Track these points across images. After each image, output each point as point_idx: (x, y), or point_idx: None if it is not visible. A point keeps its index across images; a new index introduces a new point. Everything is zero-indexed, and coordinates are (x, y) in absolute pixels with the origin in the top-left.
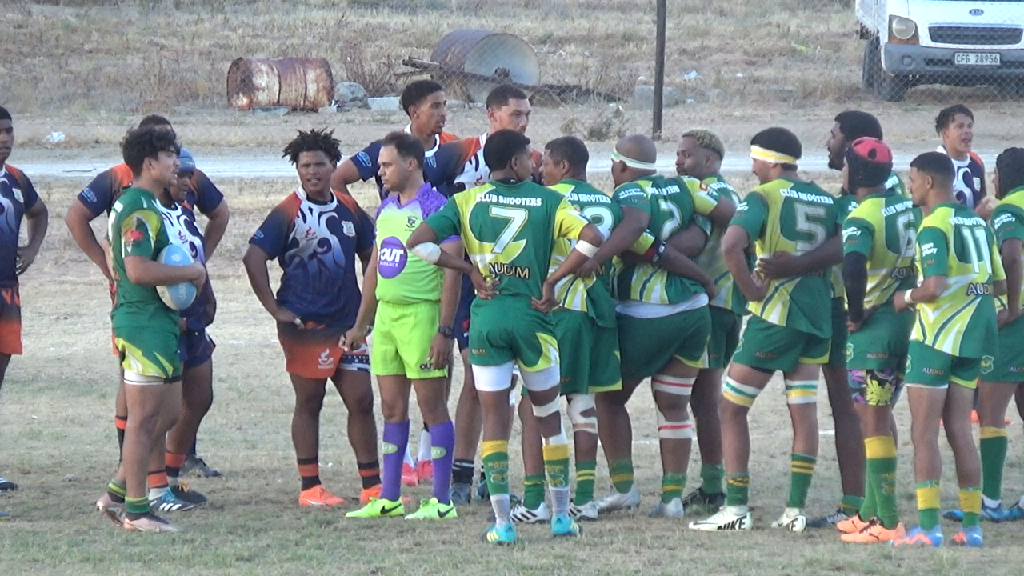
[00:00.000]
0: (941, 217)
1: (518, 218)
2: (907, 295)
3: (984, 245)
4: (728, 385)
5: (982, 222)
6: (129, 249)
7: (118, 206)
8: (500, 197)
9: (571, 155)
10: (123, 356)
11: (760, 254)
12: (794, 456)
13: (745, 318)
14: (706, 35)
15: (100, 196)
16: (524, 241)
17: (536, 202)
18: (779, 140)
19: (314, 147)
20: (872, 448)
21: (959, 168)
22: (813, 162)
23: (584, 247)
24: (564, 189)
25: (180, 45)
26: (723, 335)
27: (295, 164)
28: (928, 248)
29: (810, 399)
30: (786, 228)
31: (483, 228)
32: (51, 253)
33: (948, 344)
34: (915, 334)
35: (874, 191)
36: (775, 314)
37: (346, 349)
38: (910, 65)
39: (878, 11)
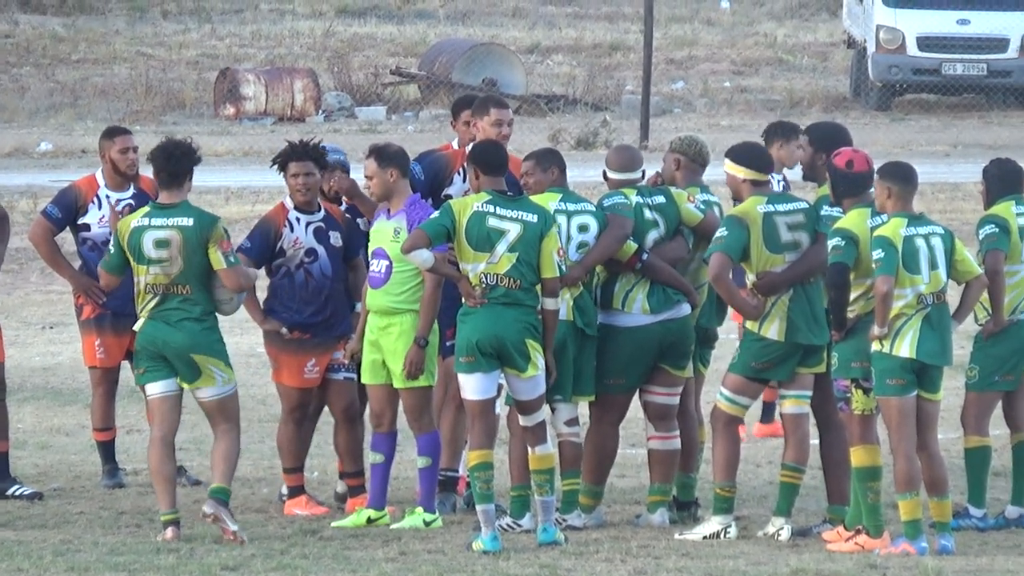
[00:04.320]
0: (893, 227)
1: (513, 231)
2: (874, 327)
3: (940, 253)
4: (722, 395)
5: (939, 230)
6: (232, 259)
7: (186, 221)
8: (498, 208)
9: (559, 162)
10: (137, 367)
11: (749, 274)
12: (784, 465)
13: (721, 329)
14: (693, 45)
15: (64, 212)
16: (516, 255)
17: (532, 218)
18: (749, 155)
19: (304, 157)
20: (857, 457)
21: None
22: (790, 175)
23: (549, 303)
24: (551, 198)
25: (167, 55)
26: (696, 345)
27: (283, 174)
28: (877, 253)
29: (803, 409)
30: (770, 243)
31: (479, 238)
32: (37, 263)
33: (905, 348)
34: (875, 345)
35: (859, 201)
36: (773, 330)
37: (346, 361)
38: (897, 75)
39: (865, 21)
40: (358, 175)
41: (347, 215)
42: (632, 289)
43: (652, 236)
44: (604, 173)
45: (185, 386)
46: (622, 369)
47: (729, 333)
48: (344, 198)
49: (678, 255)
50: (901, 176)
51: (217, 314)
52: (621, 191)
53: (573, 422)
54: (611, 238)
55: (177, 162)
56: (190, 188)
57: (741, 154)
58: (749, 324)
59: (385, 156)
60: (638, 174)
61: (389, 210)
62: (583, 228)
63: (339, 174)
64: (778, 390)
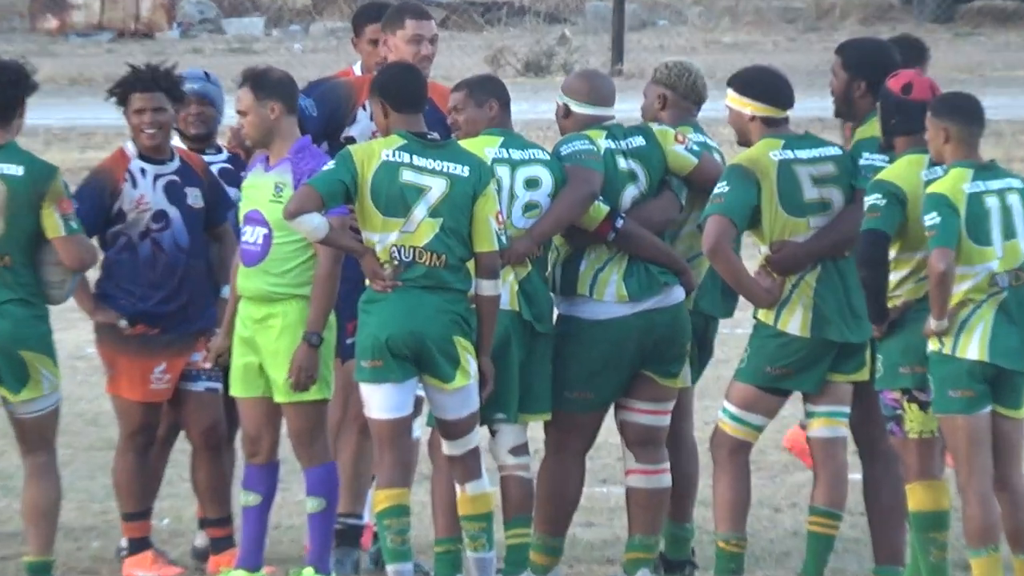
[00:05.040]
0: (953, 182)
1: (436, 188)
2: (930, 319)
3: (1020, 217)
4: (726, 412)
5: (1019, 184)
6: (73, 225)
7: (13, 169)
8: (415, 157)
9: (500, 94)
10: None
11: (760, 245)
12: (813, 510)
13: (735, 321)
14: None
15: None
16: (440, 221)
17: (463, 171)
18: (759, 84)
19: (151, 87)
20: (915, 498)
21: None
22: (821, 107)
23: (486, 286)
24: (489, 143)
25: None
26: (694, 342)
27: (124, 110)
28: (931, 218)
29: (838, 432)
30: (789, 202)
31: (390, 197)
32: None
33: (973, 348)
34: (931, 343)
35: (915, 144)
36: (794, 322)
37: (208, 366)
38: None
39: None
40: (230, 110)
41: (225, 165)
42: (603, 268)
43: (629, 193)
44: (563, 108)
45: (6, 396)
46: (590, 378)
47: (735, 327)
48: (227, 144)
49: (666, 217)
50: (963, 112)
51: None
52: (584, 133)
53: (521, 450)
54: (572, 198)
55: (2, 92)
56: (20, 127)
57: (749, 83)
58: (762, 314)
59: (263, 85)
60: (610, 109)
61: (268, 158)
62: (532, 183)
63: (235, 129)
64: (804, 405)
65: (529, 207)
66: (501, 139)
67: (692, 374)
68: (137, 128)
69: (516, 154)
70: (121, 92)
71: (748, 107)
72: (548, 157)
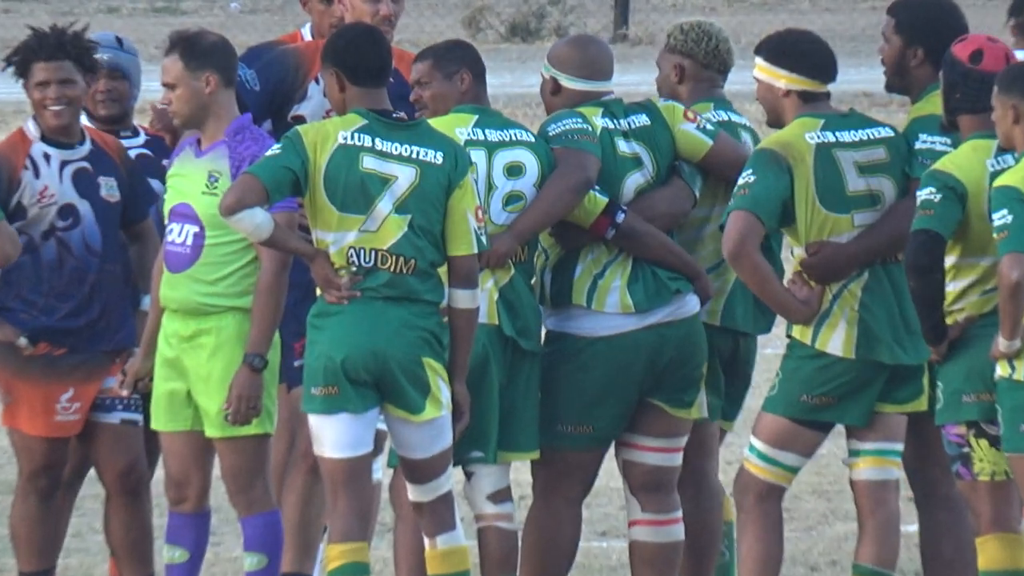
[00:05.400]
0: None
1: (404, 178)
2: (999, 339)
3: None
4: (753, 450)
5: None
6: None
7: None
8: (378, 140)
9: (473, 64)
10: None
11: (794, 247)
12: (857, 569)
13: (765, 339)
14: None
15: None
16: (408, 218)
17: (435, 157)
18: (795, 52)
19: (57, 55)
20: (988, 554)
21: None
22: (868, 79)
23: (462, 297)
24: (462, 122)
25: None
26: (719, 367)
27: (24, 82)
28: (1001, 216)
29: (890, 474)
30: (829, 195)
31: (348, 189)
32: None
33: None
34: (1000, 367)
35: (982, 126)
36: (836, 340)
37: (125, 393)
38: None
39: None
40: (145, 85)
41: (142, 150)
42: (602, 274)
43: (633, 182)
44: (551, 82)
45: None
46: (587, 408)
47: (764, 346)
48: (150, 125)
49: (675, 210)
50: None
51: None
52: (577, 110)
53: (502, 496)
54: (562, 187)
55: None
56: None
57: (783, 49)
58: (796, 331)
59: (196, 52)
60: (608, 84)
61: (199, 141)
62: (514, 170)
63: (159, 108)
64: (848, 441)
65: (511, 199)
66: (475, 117)
67: (729, 408)
68: (40, 104)
69: (494, 135)
70: (20, 61)
71: (782, 79)
72: (533, 139)
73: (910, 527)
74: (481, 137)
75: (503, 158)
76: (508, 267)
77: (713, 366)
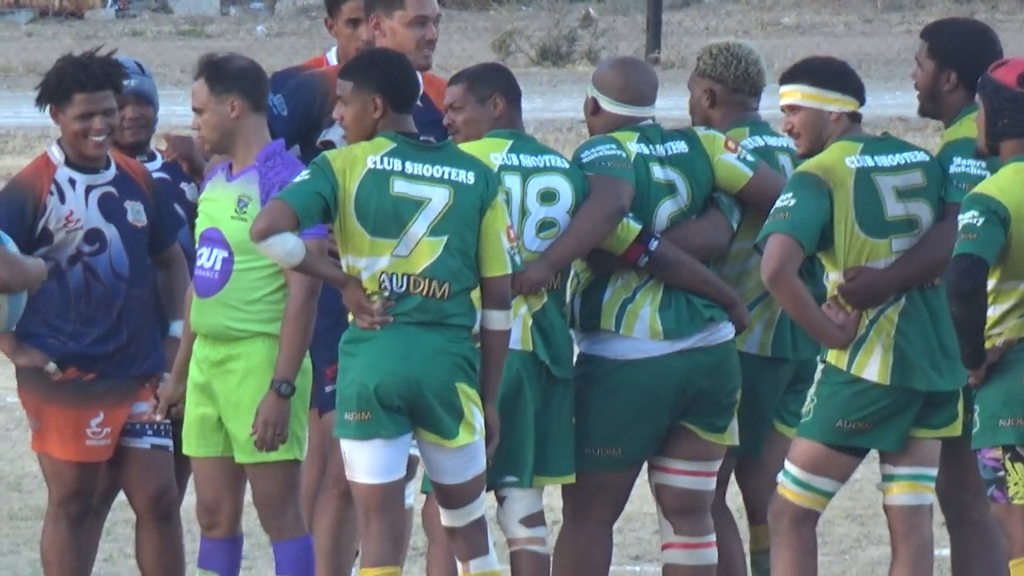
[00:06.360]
0: None
1: (437, 200)
2: None
3: None
4: (788, 475)
5: None
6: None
7: None
8: (408, 163)
9: (507, 88)
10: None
11: (831, 271)
12: None
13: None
14: None
15: None
16: (443, 240)
17: (467, 177)
18: (840, 74)
19: (102, 84)
20: None
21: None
22: (903, 103)
23: (496, 319)
24: (496, 147)
25: None
26: (763, 398)
27: (54, 111)
28: None
29: (924, 499)
30: (868, 220)
31: (379, 214)
32: None
33: None
34: None
35: None
36: (872, 367)
37: (158, 418)
38: None
39: None
40: (171, 109)
41: (160, 174)
42: (632, 298)
43: (666, 210)
44: (592, 103)
45: None
46: (617, 431)
47: None
48: (165, 153)
49: (712, 242)
50: None
51: None
52: (611, 136)
53: (535, 520)
54: (596, 214)
55: None
56: None
57: (827, 72)
58: (832, 356)
59: (221, 76)
60: (649, 109)
61: (231, 166)
62: (548, 196)
63: (172, 136)
64: (881, 466)
65: (544, 225)
66: (510, 142)
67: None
68: (80, 134)
69: (528, 160)
70: (62, 91)
71: (834, 103)
72: (567, 165)
73: (943, 551)
74: (516, 162)
75: (537, 184)
76: (541, 294)
77: (759, 398)
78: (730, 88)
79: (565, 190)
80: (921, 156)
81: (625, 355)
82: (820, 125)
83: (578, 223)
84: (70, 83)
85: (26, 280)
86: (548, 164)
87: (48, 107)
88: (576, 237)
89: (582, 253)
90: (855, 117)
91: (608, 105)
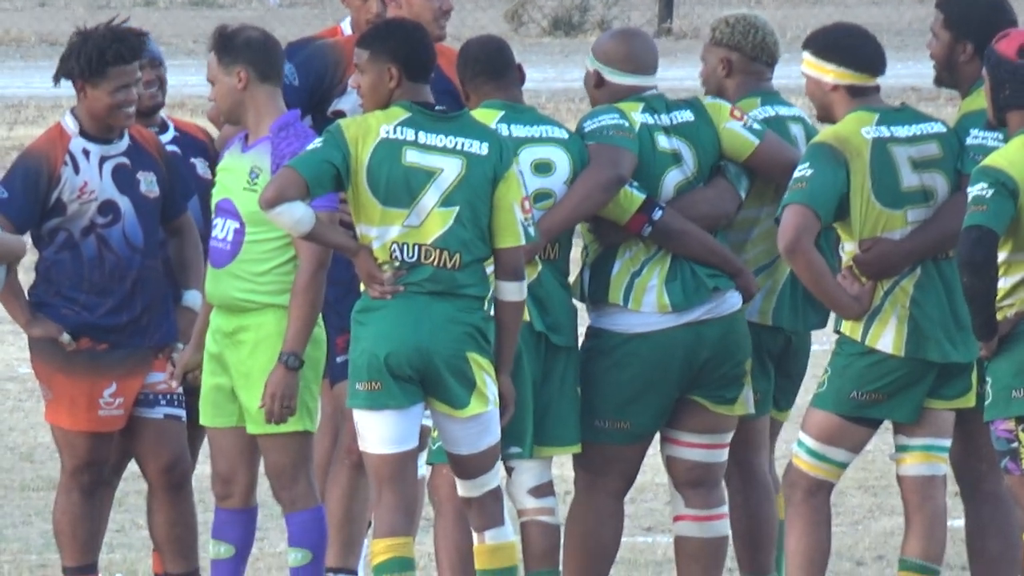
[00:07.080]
0: None
1: (450, 170)
2: None
3: None
4: (802, 446)
5: None
6: None
7: None
8: (421, 133)
9: (500, 62)
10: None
11: (847, 242)
12: (903, 564)
13: (814, 335)
14: None
15: None
16: (455, 210)
17: (481, 148)
18: (843, 45)
19: (135, 54)
20: None
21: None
22: (916, 73)
23: (509, 289)
24: (487, 117)
25: None
26: (769, 362)
27: (85, 86)
28: None
29: (937, 470)
30: (884, 191)
31: (391, 183)
32: None
33: None
34: None
35: None
36: (887, 338)
37: (175, 386)
38: None
39: None
40: (182, 79)
41: (171, 147)
42: (640, 272)
43: (672, 179)
44: (594, 75)
45: None
46: (625, 404)
47: (812, 343)
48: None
49: (718, 211)
50: None
51: None
52: (615, 106)
53: (544, 491)
54: (591, 184)
55: None
56: None
57: (830, 43)
58: (847, 327)
59: (229, 47)
60: (652, 78)
61: (247, 137)
62: (542, 168)
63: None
64: (895, 437)
65: (538, 196)
66: (501, 113)
67: (782, 398)
68: (114, 107)
69: (520, 131)
70: (97, 64)
71: (829, 74)
72: (567, 135)
73: (956, 522)
74: (506, 133)
75: (530, 155)
76: (535, 263)
77: (763, 362)
78: (748, 57)
79: (562, 160)
80: (938, 127)
81: (631, 328)
82: (820, 94)
83: (573, 192)
84: (112, 57)
85: (5, 254)
86: (544, 135)
87: (75, 81)
88: (570, 206)
89: (576, 222)
90: (855, 91)
91: (612, 76)
